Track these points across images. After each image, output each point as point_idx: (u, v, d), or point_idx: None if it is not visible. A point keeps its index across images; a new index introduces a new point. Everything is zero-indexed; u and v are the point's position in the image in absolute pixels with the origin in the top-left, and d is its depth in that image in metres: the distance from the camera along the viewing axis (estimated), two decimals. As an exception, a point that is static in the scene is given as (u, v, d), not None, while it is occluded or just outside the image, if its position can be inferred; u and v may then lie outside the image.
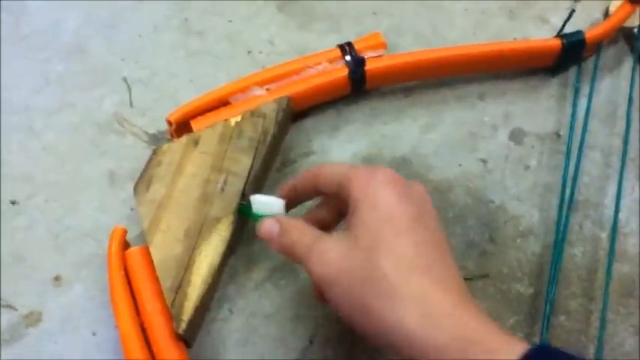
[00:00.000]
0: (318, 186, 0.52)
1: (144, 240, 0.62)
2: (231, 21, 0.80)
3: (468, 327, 0.39)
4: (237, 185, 0.61)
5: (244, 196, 0.61)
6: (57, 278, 0.63)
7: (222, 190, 0.61)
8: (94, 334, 0.61)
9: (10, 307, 0.62)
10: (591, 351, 0.60)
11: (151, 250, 0.58)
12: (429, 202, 0.47)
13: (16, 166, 0.69)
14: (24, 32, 0.78)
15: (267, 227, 0.53)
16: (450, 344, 0.38)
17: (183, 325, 0.55)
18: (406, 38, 0.79)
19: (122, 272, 0.58)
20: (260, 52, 0.78)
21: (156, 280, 0.57)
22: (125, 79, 0.75)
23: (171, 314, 0.55)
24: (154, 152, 0.63)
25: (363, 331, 0.43)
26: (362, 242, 0.43)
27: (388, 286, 0.40)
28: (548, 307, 0.60)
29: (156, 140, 0.71)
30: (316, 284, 0.47)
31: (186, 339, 0.56)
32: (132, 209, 0.67)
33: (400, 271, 0.41)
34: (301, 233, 0.49)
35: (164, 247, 0.58)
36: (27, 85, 0.75)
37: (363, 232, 0.44)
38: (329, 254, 0.45)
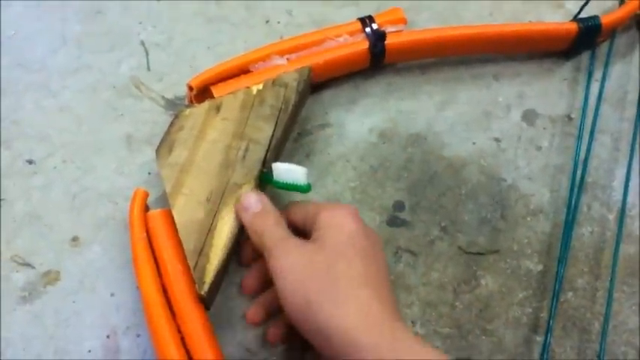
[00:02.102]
0: (289, 221, 0.57)
1: (162, 204, 0.63)
2: (249, -11, 0.80)
3: (397, 331, 0.46)
4: (258, 153, 0.62)
5: (265, 164, 0.61)
6: (74, 239, 0.64)
7: (244, 157, 0.61)
8: (112, 294, 0.61)
9: (28, 265, 0.62)
10: (597, 327, 0.62)
11: (174, 213, 0.58)
12: (381, 244, 0.55)
13: (33, 126, 0.69)
14: (40, -9, 0.78)
15: (250, 199, 0.57)
16: (382, 343, 0.44)
17: (206, 287, 0.55)
18: (424, 15, 0.79)
19: (144, 234, 0.58)
20: (278, 22, 0.78)
21: (177, 242, 0.58)
22: (142, 43, 0.75)
23: (193, 276, 0.56)
24: (176, 116, 0.64)
25: (303, 324, 0.48)
26: (325, 251, 0.50)
27: (338, 289, 0.48)
28: (557, 284, 0.62)
29: (173, 106, 0.71)
30: (272, 273, 0.51)
31: (207, 301, 0.57)
32: (149, 173, 0.67)
33: (351, 280, 0.48)
34: (277, 225, 0.54)
35: (186, 211, 0.58)
36: (44, 44, 0.74)
37: (327, 245, 0.51)
38: (294, 251, 0.51)
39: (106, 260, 0.63)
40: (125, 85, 0.72)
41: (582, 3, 0.75)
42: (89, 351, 0.59)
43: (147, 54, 0.74)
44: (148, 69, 0.74)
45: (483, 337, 0.62)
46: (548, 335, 0.60)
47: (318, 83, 0.72)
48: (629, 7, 0.75)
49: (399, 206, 0.68)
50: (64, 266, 0.62)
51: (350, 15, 0.74)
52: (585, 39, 0.75)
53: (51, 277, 0.62)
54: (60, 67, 0.73)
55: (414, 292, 0.64)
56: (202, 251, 0.57)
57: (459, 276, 0.64)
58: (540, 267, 0.65)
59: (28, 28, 0.75)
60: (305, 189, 0.59)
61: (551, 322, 0.60)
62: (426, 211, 0.68)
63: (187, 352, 0.54)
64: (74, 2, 0.77)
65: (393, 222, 0.67)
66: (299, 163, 0.61)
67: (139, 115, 0.71)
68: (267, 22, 0.78)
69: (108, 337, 0.60)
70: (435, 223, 0.67)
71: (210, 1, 0.79)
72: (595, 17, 0.74)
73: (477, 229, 0.67)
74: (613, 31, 0.76)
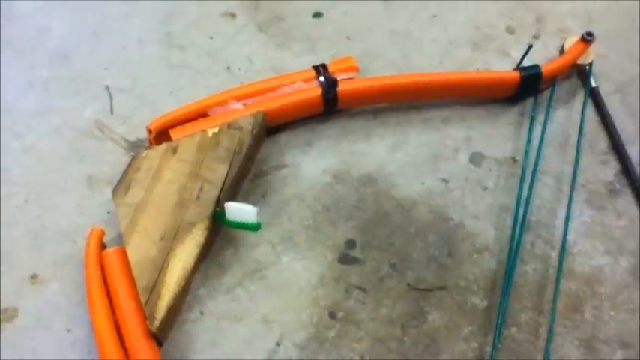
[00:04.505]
0: None
1: (119, 243, 0.65)
2: (212, 38, 0.84)
3: None
4: (212, 193, 0.64)
5: (219, 204, 0.64)
6: (33, 276, 0.65)
7: (198, 197, 0.64)
8: (68, 330, 0.63)
9: (-15, 302, 0.64)
10: (539, 360, 0.65)
11: (128, 250, 0.60)
12: None
13: (-3, 166, 0.72)
14: (10, 36, 0.81)
15: None
16: None
17: (157, 323, 0.57)
18: (377, 63, 0.84)
19: (99, 271, 0.60)
20: (239, 69, 0.82)
21: (131, 280, 0.60)
22: (107, 88, 0.78)
23: (145, 313, 0.57)
24: (134, 158, 0.66)
25: None
26: None
27: None
28: (500, 319, 0.65)
29: (135, 148, 0.74)
30: None
31: (159, 337, 0.59)
32: (109, 212, 0.69)
33: None
34: None
35: (140, 249, 0.61)
36: (11, 87, 0.77)
37: None
38: None
39: (63, 297, 0.64)
40: (89, 128, 0.75)
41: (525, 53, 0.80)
42: (43, 387, 0.60)
43: (111, 98, 0.78)
44: (112, 112, 0.77)
45: (430, 372, 0.64)
46: (491, 368, 0.62)
47: (275, 126, 0.75)
48: (567, 57, 0.80)
49: (350, 244, 0.70)
50: (22, 303, 0.64)
51: (307, 63, 0.78)
52: (528, 86, 0.79)
53: (8, 314, 0.63)
54: (26, 110, 0.75)
55: (364, 328, 0.66)
56: (154, 288, 0.59)
57: (407, 311, 0.67)
58: (486, 303, 0.68)
59: (-4, 72, 0.78)
60: (255, 227, 0.62)
61: (494, 355, 0.63)
62: (377, 249, 0.70)
63: (139, 386, 0.56)
64: (42, 47, 0.80)
65: (345, 259, 0.69)
66: (255, 202, 0.64)
67: (101, 157, 0.73)
68: (227, 68, 0.82)
69: (63, 373, 0.61)
70: (385, 260, 0.70)
71: (173, 48, 0.83)
72: (535, 66, 0.78)
73: (425, 266, 0.70)
74: (554, 79, 0.80)
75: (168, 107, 0.72)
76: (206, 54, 0.83)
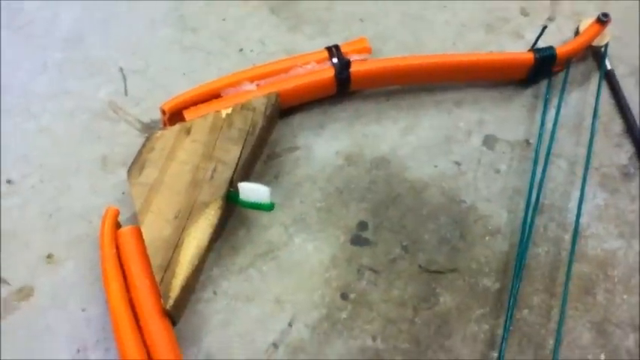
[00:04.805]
0: None
1: (134, 223, 0.65)
2: (224, 20, 0.84)
3: None
4: (225, 173, 0.65)
5: (232, 184, 0.64)
6: (49, 256, 0.66)
7: (212, 177, 0.64)
8: (83, 309, 0.64)
9: (3, 281, 0.65)
10: (551, 343, 0.65)
11: (143, 230, 0.61)
12: None
13: (13, 147, 0.72)
14: (24, 20, 0.81)
15: None
16: None
17: (171, 302, 0.58)
18: (389, 45, 0.83)
19: (114, 250, 0.61)
20: (251, 51, 0.82)
21: (146, 259, 0.60)
22: (121, 70, 0.79)
23: (160, 291, 0.58)
24: (148, 138, 0.67)
25: None
26: None
27: None
28: (512, 301, 0.65)
29: (148, 129, 0.75)
30: None
31: (173, 316, 0.59)
32: (123, 193, 0.70)
33: None
34: None
35: (155, 228, 0.61)
36: (25, 70, 0.77)
37: None
38: None
39: (78, 277, 0.65)
40: (103, 110, 0.76)
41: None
42: (59, 364, 0.61)
43: (125, 80, 0.78)
44: (126, 94, 0.77)
45: (441, 353, 0.64)
46: (503, 346, 0.62)
47: (288, 108, 0.76)
48: (582, 39, 0.79)
49: (362, 226, 0.71)
50: (37, 283, 0.65)
51: (320, 45, 0.77)
52: (542, 68, 0.78)
53: (24, 294, 0.64)
54: (40, 92, 0.76)
55: (375, 309, 0.66)
56: (169, 267, 0.59)
57: (418, 293, 0.67)
58: (497, 285, 0.68)
59: (10, 54, 0.78)
60: (268, 207, 0.62)
61: (505, 336, 0.63)
62: (389, 231, 0.70)
63: (152, 364, 0.57)
64: (56, 30, 0.81)
65: (357, 241, 0.70)
66: (268, 184, 0.65)
67: (115, 138, 0.74)
68: (240, 50, 0.82)
69: (78, 351, 0.62)
70: (397, 242, 0.70)
71: (186, 30, 0.83)
72: (550, 47, 0.78)
73: (436, 248, 0.70)
74: (568, 61, 0.80)
75: (181, 89, 0.72)
76: (218, 36, 0.83)
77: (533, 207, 0.70)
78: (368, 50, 0.76)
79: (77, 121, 0.75)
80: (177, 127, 0.67)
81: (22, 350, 0.61)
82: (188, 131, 0.67)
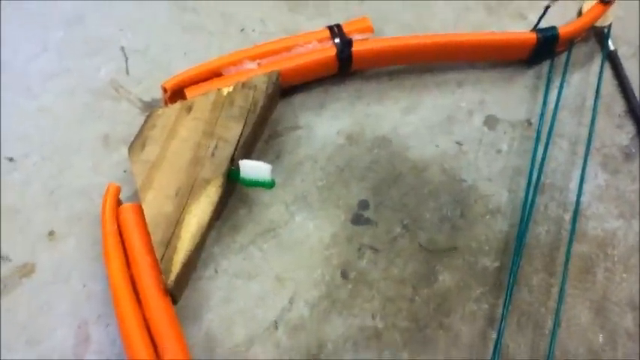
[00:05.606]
0: None
1: (135, 201, 0.66)
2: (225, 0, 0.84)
3: None
4: (227, 150, 0.65)
5: (234, 161, 0.64)
6: (51, 233, 0.66)
7: (213, 154, 0.64)
8: (84, 285, 0.64)
9: (5, 258, 0.65)
10: (550, 322, 0.65)
11: (144, 206, 0.61)
12: None
13: (14, 126, 0.72)
14: (25, -1, 0.81)
15: None
16: None
17: (172, 277, 0.58)
18: (391, 26, 0.83)
19: (115, 226, 0.61)
20: (253, 31, 0.82)
21: (147, 236, 0.60)
22: (123, 49, 0.78)
23: (161, 268, 0.58)
24: (149, 115, 0.67)
25: None
26: None
27: None
28: (511, 280, 0.65)
29: (150, 107, 0.74)
30: None
31: (173, 292, 0.59)
32: (125, 171, 0.70)
33: None
34: None
35: (156, 205, 0.61)
36: (26, 49, 0.77)
37: None
38: None
39: (79, 253, 0.65)
40: (104, 88, 0.75)
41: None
42: (60, 340, 0.61)
43: (126, 59, 0.78)
44: (127, 73, 0.77)
45: (440, 331, 0.65)
46: (502, 325, 0.62)
47: (289, 87, 0.75)
48: (585, 19, 0.79)
49: (363, 205, 0.71)
50: (39, 259, 0.65)
51: (320, 25, 0.77)
52: (544, 48, 0.78)
53: (27, 270, 0.64)
54: (41, 71, 0.76)
55: (375, 287, 0.66)
56: (170, 243, 0.59)
57: (418, 272, 0.67)
58: (497, 264, 0.68)
59: (10, 33, 0.78)
60: (269, 185, 0.62)
61: (505, 315, 0.63)
62: (389, 210, 0.71)
63: (152, 340, 0.57)
64: (57, 9, 0.81)
65: (358, 220, 0.70)
66: (269, 162, 0.65)
67: (117, 117, 0.74)
68: (241, 30, 0.82)
69: (79, 326, 0.62)
70: (398, 221, 0.70)
71: (187, 10, 0.83)
72: (553, 28, 0.77)
73: (437, 227, 0.70)
74: (571, 42, 0.80)
75: (182, 69, 0.72)
76: (220, 16, 0.83)
77: (534, 186, 0.70)
78: (370, 29, 0.76)
79: (78, 100, 0.75)
80: (178, 104, 0.67)
81: (23, 326, 0.62)
82: (189, 109, 0.67)
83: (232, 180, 0.64)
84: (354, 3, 0.85)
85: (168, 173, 0.63)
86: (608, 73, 0.80)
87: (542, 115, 0.76)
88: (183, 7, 0.83)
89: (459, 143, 0.75)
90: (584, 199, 0.72)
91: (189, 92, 0.69)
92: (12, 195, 0.68)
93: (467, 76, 0.80)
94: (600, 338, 0.65)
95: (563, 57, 0.80)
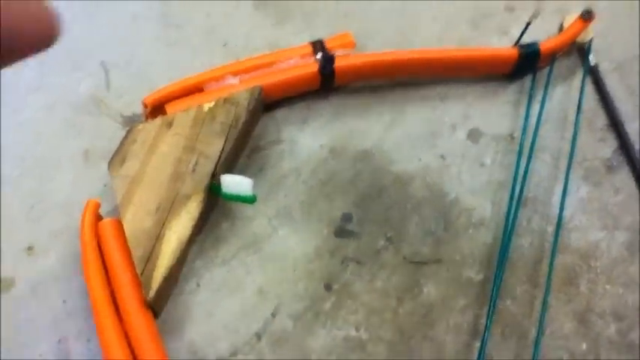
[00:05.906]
0: None
1: (115, 216, 0.65)
2: (209, 15, 0.84)
3: None
4: (208, 166, 0.64)
5: (215, 177, 0.64)
6: (30, 247, 0.66)
7: (194, 170, 0.64)
8: (64, 301, 0.63)
9: (-18, 272, 0.64)
10: (534, 333, 0.65)
11: (124, 222, 0.61)
12: None
13: (-6, 141, 0.72)
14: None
15: None
16: None
17: (152, 293, 0.57)
18: (375, 41, 0.83)
19: (95, 242, 0.61)
20: (236, 46, 0.82)
21: (127, 251, 0.60)
22: (103, 63, 0.78)
23: (141, 283, 0.58)
24: (129, 130, 0.66)
25: None
26: None
27: None
28: (495, 292, 0.65)
29: (131, 122, 0.74)
30: None
31: (154, 308, 0.59)
32: (105, 186, 0.70)
33: None
34: None
35: (136, 220, 0.61)
36: (7, 64, 0.77)
37: None
38: None
39: (59, 268, 0.65)
40: (84, 103, 0.75)
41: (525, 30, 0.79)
42: (40, 355, 0.61)
43: (107, 74, 0.78)
44: (108, 88, 0.77)
45: (425, 342, 0.64)
46: (486, 335, 0.62)
47: (272, 102, 0.75)
48: (566, 35, 0.80)
49: (346, 218, 0.71)
50: (18, 274, 0.64)
51: (304, 40, 0.77)
52: (526, 63, 0.79)
53: (5, 285, 0.64)
54: (22, 85, 0.76)
55: (359, 299, 0.66)
56: (150, 258, 0.59)
57: (402, 284, 0.67)
58: (481, 276, 0.68)
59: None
60: (251, 200, 0.62)
61: (488, 326, 0.63)
62: (373, 223, 0.70)
63: (134, 355, 0.56)
64: (39, 25, 0.80)
65: (341, 233, 0.70)
66: (252, 177, 0.64)
67: (97, 132, 0.73)
68: (224, 45, 0.82)
69: (59, 341, 0.61)
70: (381, 234, 0.70)
71: (170, 25, 0.83)
72: (534, 43, 0.78)
73: (421, 240, 0.70)
74: (553, 57, 0.80)
75: (164, 83, 0.72)
76: (203, 31, 0.83)
77: (517, 200, 0.71)
78: (352, 45, 0.76)
79: (58, 115, 0.74)
80: (159, 120, 0.67)
81: (2, 341, 0.61)
82: (170, 124, 0.67)
83: (214, 195, 0.64)
84: (338, 18, 0.86)
85: (149, 189, 0.62)
86: (589, 87, 0.81)
87: (524, 129, 0.76)
88: (166, 21, 0.83)
89: (442, 157, 0.75)
90: (567, 211, 0.72)
91: (169, 108, 0.69)
92: (-9, 210, 0.68)
93: (450, 90, 0.80)
94: (584, 347, 0.65)
95: (545, 72, 0.81)
